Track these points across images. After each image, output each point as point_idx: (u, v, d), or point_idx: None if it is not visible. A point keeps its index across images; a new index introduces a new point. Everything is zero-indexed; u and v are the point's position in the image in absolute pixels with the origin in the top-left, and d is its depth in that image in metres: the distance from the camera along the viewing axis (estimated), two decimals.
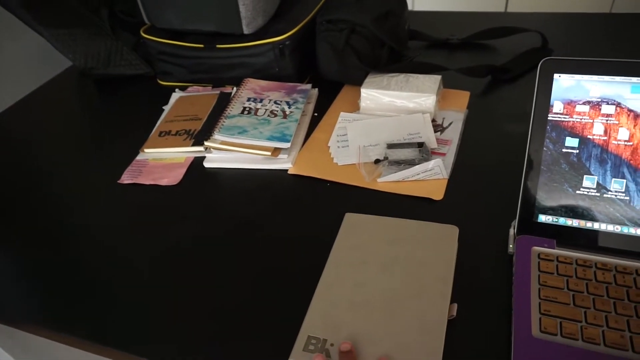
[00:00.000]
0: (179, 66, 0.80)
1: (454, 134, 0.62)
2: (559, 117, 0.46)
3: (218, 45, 0.75)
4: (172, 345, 0.43)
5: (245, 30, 0.75)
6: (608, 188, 0.44)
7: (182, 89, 0.82)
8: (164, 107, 0.78)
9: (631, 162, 0.44)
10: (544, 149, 0.46)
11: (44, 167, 0.69)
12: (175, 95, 0.79)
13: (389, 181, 0.56)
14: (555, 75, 0.46)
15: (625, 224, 0.44)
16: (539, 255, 0.44)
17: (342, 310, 0.41)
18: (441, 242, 0.46)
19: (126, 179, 0.64)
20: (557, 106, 0.46)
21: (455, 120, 0.64)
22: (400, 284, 0.43)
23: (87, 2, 0.83)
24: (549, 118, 0.46)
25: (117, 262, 0.52)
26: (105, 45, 0.83)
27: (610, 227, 0.44)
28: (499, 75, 0.72)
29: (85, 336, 0.45)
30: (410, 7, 2.01)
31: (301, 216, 0.55)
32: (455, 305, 0.42)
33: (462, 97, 0.69)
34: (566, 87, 0.45)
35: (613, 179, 0.44)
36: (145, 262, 0.52)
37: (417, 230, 0.47)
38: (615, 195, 0.44)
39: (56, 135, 0.76)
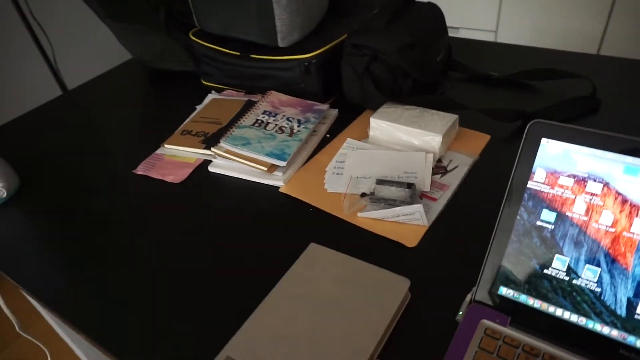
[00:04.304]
0: (218, 69, 0.85)
1: (454, 179, 0.59)
2: (539, 186, 0.42)
3: (252, 55, 0.78)
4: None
5: (280, 44, 0.77)
6: (579, 274, 0.40)
7: (220, 90, 0.86)
8: (197, 106, 0.83)
9: (610, 251, 0.39)
10: (518, 217, 0.42)
11: (84, 144, 0.78)
12: (210, 97, 0.84)
13: (368, 217, 0.55)
14: (543, 140, 0.42)
15: (591, 318, 0.39)
16: (485, 330, 0.41)
17: (266, 340, 0.42)
18: (387, 292, 0.44)
19: (140, 170, 0.69)
20: (539, 174, 0.42)
21: (462, 164, 0.61)
22: (330, 326, 0.42)
23: (150, 1, 0.91)
24: (528, 185, 0.42)
25: (104, 245, 0.58)
26: (160, 42, 0.90)
27: (574, 318, 0.40)
28: (530, 121, 0.67)
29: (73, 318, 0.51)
30: (493, 39, 1.92)
31: (276, 235, 0.56)
32: None
33: (479, 141, 0.65)
34: (552, 154, 0.41)
35: (586, 266, 0.40)
36: (126, 249, 0.56)
37: (369, 274, 0.46)
38: (586, 284, 0.40)
39: (105, 117, 0.85)
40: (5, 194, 0.65)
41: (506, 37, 1.91)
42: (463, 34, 2.02)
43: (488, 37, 1.96)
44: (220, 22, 0.80)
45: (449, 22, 2.02)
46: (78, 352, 1.10)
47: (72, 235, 0.60)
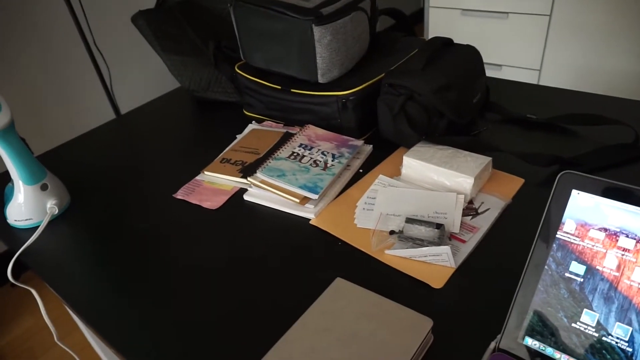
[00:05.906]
0: (260, 101, 0.89)
1: (484, 222, 0.59)
2: (569, 238, 0.41)
3: (292, 90, 0.82)
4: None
5: (320, 80, 0.80)
6: (609, 331, 0.39)
7: (260, 121, 0.90)
8: (237, 136, 0.86)
9: None
10: (545, 267, 0.42)
11: (131, 166, 0.83)
12: (250, 127, 0.87)
13: (396, 255, 0.56)
14: (574, 192, 0.42)
15: None
16: None
17: None
18: (409, 331, 0.44)
19: (180, 194, 0.73)
20: (568, 225, 0.41)
21: (494, 207, 0.60)
22: None
23: (201, 36, 0.97)
24: (557, 235, 0.42)
25: (140, 264, 0.61)
26: (208, 73, 0.96)
27: None
28: (567, 167, 0.66)
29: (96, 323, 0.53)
30: (537, 78, 1.90)
31: (303, 267, 0.57)
32: None
33: (513, 184, 0.64)
34: (583, 206, 0.41)
35: (617, 323, 0.39)
36: (159, 270, 0.59)
37: (392, 312, 0.46)
38: (616, 342, 0.38)
39: (151, 141, 0.90)
40: (57, 210, 0.70)
41: (550, 76, 1.89)
42: (505, 72, 2.01)
43: (531, 76, 1.94)
44: (265, 57, 0.84)
45: (491, 60, 2.02)
46: None
47: (113, 252, 0.64)
